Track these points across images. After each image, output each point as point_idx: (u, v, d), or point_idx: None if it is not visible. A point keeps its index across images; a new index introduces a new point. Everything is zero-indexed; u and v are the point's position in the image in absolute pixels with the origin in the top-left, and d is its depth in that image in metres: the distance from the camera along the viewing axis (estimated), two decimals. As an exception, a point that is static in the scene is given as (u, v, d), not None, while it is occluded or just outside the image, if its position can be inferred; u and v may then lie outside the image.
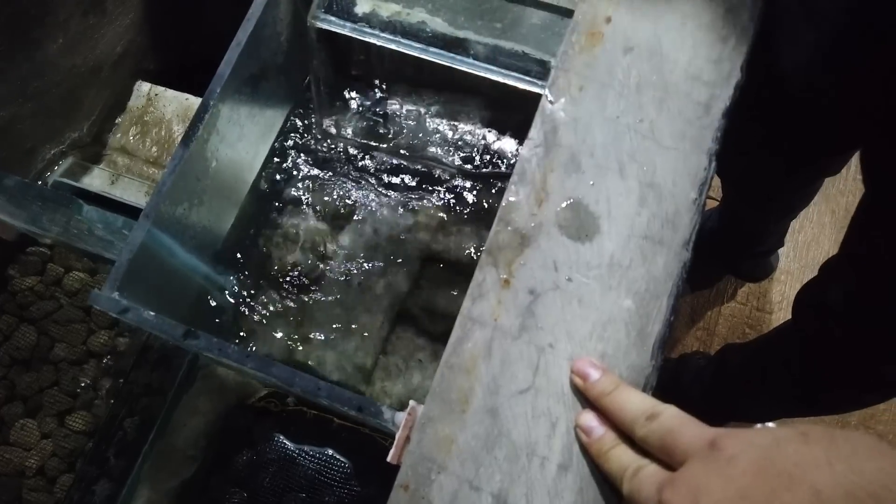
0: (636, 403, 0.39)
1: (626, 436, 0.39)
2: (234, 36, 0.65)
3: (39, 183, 0.88)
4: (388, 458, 0.45)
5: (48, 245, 0.88)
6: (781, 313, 1.33)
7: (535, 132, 0.49)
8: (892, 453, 0.28)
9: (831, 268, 0.72)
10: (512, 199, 0.47)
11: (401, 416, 0.46)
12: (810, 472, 0.28)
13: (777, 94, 0.62)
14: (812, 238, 1.38)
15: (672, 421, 0.36)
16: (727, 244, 1.19)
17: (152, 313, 0.56)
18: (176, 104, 0.95)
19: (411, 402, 0.46)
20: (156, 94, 0.97)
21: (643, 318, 0.45)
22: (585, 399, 0.42)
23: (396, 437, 0.45)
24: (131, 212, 0.75)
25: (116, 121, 0.96)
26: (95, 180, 0.91)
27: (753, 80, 0.50)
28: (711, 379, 1.07)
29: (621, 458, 0.38)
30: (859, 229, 0.65)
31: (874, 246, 0.61)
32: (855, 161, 1.48)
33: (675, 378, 1.16)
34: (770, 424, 0.32)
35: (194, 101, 0.95)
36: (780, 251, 1.32)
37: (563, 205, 0.47)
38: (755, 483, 0.29)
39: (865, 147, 0.62)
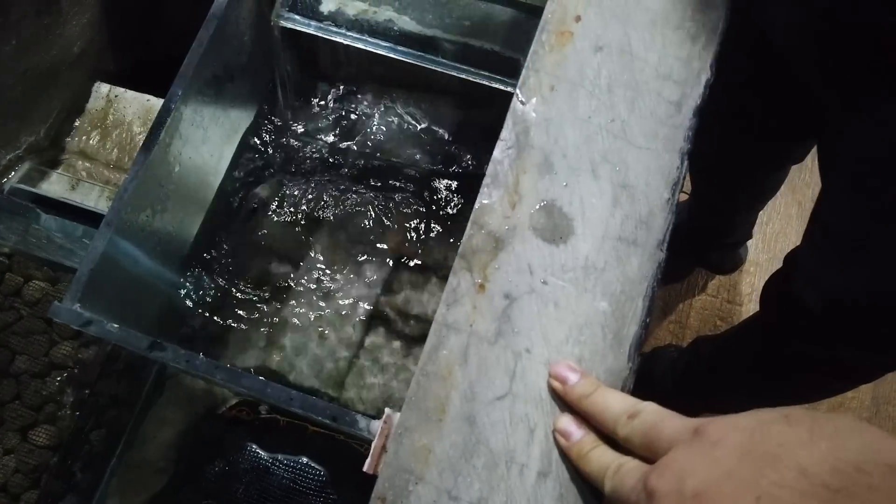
0: (617, 403, 0.38)
1: (606, 437, 0.39)
2: (195, 34, 0.63)
3: (-5, 190, 0.85)
4: (365, 468, 0.44)
5: (6, 254, 0.85)
6: (752, 304, 1.35)
7: (506, 133, 0.48)
8: (873, 429, 0.28)
9: (794, 258, 0.73)
10: (485, 201, 0.47)
11: (376, 425, 0.45)
12: (795, 451, 0.28)
13: (761, 62, 0.62)
14: (780, 230, 1.40)
15: (654, 416, 0.36)
16: (697, 236, 1.21)
17: (116, 325, 0.54)
18: (137, 105, 0.92)
19: (387, 410, 0.45)
20: (115, 96, 0.94)
21: (619, 320, 0.44)
22: (564, 403, 0.42)
23: (372, 446, 0.44)
24: (93, 217, 0.73)
25: (75, 124, 0.93)
26: (54, 186, 0.88)
27: (740, 48, 0.49)
28: (683, 371, 1.08)
29: (602, 457, 0.38)
30: (815, 219, 0.66)
31: (830, 234, 0.62)
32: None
33: (647, 371, 1.16)
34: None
35: (156, 102, 0.92)
36: (749, 243, 1.34)
37: (537, 207, 0.46)
38: (741, 463, 0.29)
39: (821, 139, 0.63)
